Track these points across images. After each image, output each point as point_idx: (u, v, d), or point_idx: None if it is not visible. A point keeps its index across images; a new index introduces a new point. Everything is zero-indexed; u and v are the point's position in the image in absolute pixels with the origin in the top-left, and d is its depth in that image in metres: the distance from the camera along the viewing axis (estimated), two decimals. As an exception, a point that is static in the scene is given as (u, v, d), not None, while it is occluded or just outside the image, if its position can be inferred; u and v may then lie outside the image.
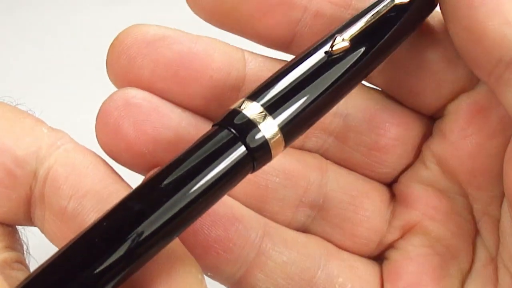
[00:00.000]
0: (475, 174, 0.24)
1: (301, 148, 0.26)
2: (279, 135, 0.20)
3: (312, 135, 0.25)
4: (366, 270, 0.26)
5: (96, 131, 0.23)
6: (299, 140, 0.25)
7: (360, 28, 0.22)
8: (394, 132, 0.25)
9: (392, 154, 0.26)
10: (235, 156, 0.20)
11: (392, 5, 0.23)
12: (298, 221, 0.26)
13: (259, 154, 0.20)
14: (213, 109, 0.24)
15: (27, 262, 0.22)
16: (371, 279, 0.26)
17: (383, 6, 0.23)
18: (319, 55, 0.22)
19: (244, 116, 0.20)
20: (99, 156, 0.22)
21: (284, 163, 0.25)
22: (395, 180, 0.26)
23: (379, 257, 0.27)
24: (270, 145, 0.20)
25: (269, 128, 0.20)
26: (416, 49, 0.24)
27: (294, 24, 0.24)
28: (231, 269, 0.24)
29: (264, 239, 0.24)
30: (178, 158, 0.20)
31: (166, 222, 0.19)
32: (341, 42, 0.22)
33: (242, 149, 0.20)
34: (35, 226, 0.22)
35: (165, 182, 0.19)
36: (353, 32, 0.22)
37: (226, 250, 0.24)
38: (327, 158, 0.26)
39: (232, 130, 0.20)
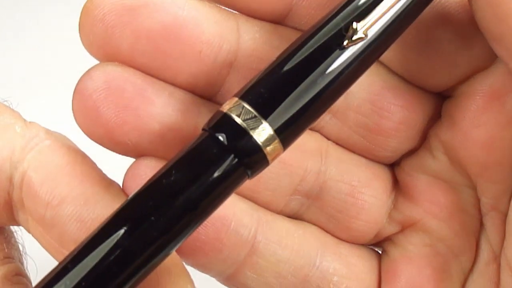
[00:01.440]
0: (487, 166, 0.23)
1: None
2: (275, 139, 0.19)
3: None
4: (363, 268, 0.25)
5: (73, 111, 0.21)
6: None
7: (378, 17, 0.20)
8: (399, 115, 0.23)
9: (395, 138, 0.24)
10: (225, 167, 0.18)
11: None
12: (291, 209, 0.24)
13: (253, 162, 0.19)
14: (201, 87, 0.22)
15: (24, 261, 0.22)
16: (367, 277, 0.25)
17: None
18: (327, 46, 0.20)
19: (234, 120, 0.19)
20: (78, 152, 0.21)
21: None
22: (397, 162, 0.25)
23: (376, 246, 0.26)
24: (264, 151, 0.19)
25: (262, 133, 0.19)
26: (427, 27, 0.22)
27: None
28: (220, 268, 0.23)
29: (257, 236, 0.23)
30: (163, 174, 0.18)
31: (155, 244, 0.18)
32: (357, 33, 0.20)
33: (232, 159, 0.19)
34: (21, 226, 0.21)
35: (149, 205, 0.18)
36: (369, 22, 0.20)
37: (215, 251, 0.22)
38: (324, 136, 0.24)
39: (221, 137, 0.19)
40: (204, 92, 0.22)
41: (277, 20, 0.22)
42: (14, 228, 0.23)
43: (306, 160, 0.23)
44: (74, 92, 0.20)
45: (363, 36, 0.19)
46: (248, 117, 0.19)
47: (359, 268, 0.24)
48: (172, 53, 0.21)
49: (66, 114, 0.22)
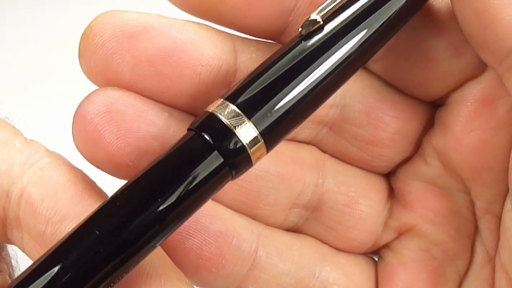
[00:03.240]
0: (480, 170, 0.23)
1: (293, 140, 0.24)
2: (259, 140, 0.19)
3: (305, 127, 0.24)
4: (362, 275, 0.25)
5: (73, 136, 0.21)
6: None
7: (336, 4, 0.20)
8: (394, 126, 0.24)
9: (390, 149, 0.24)
10: (210, 166, 0.19)
11: None
12: (290, 222, 0.25)
13: (237, 162, 0.19)
14: (201, 107, 0.22)
15: (14, 274, 0.22)
16: (366, 285, 0.25)
17: None
18: (293, 40, 0.20)
19: (220, 120, 0.19)
20: (78, 170, 0.21)
21: (278, 165, 0.23)
22: (392, 171, 0.25)
23: (372, 254, 0.26)
24: (249, 151, 0.19)
25: (247, 133, 0.19)
26: (419, 36, 0.23)
27: (287, 14, 0.22)
28: (223, 284, 0.23)
29: (258, 251, 0.23)
30: (149, 169, 0.18)
31: (136, 243, 0.18)
32: (315, 22, 0.20)
33: (217, 158, 0.19)
34: (14, 245, 0.21)
35: (134, 197, 0.18)
36: (326, 9, 0.20)
37: (218, 267, 0.23)
38: (320, 150, 0.24)
39: (207, 136, 0.19)
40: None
41: (273, 37, 0.23)
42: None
43: (304, 173, 0.24)
44: (74, 117, 0.20)
45: (319, 22, 0.20)
46: (232, 115, 0.19)
47: (357, 277, 0.25)
48: (172, 76, 0.21)
49: (64, 136, 0.22)
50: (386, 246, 0.25)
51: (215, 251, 0.22)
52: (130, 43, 0.20)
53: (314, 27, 0.20)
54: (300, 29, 0.20)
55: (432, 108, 0.24)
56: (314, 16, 0.20)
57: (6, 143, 0.20)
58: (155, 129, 0.21)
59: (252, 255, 0.23)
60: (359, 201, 0.24)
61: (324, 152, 0.24)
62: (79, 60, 0.21)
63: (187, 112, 0.22)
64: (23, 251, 0.21)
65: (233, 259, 0.23)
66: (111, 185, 0.21)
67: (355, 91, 0.24)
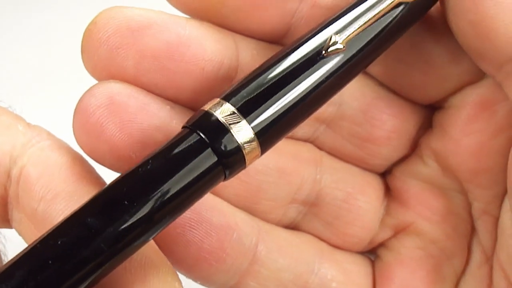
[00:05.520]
0: (478, 172, 0.23)
1: (290, 137, 0.24)
2: (254, 141, 0.19)
3: (302, 124, 0.23)
4: (359, 273, 0.25)
5: (74, 129, 0.20)
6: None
7: (358, 28, 0.21)
8: (390, 124, 0.24)
9: (386, 147, 0.24)
10: (204, 164, 0.18)
11: (395, 3, 0.21)
12: (289, 218, 0.25)
13: (231, 162, 0.19)
14: (203, 102, 0.22)
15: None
16: (363, 282, 0.25)
17: (386, 5, 0.21)
18: (308, 54, 0.20)
19: (216, 118, 0.19)
20: (77, 154, 0.21)
21: (278, 160, 0.24)
22: (388, 170, 0.25)
23: (369, 253, 0.26)
24: (243, 151, 0.19)
25: (242, 133, 0.19)
26: (418, 42, 0.23)
27: (289, 16, 0.22)
28: (223, 279, 0.23)
29: (258, 245, 0.23)
30: (140, 165, 0.18)
31: (125, 238, 0.17)
32: (336, 44, 0.20)
33: (212, 156, 0.18)
34: (13, 228, 0.21)
35: (125, 194, 0.18)
36: (349, 34, 0.20)
37: (219, 261, 0.22)
38: (317, 147, 0.25)
39: (201, 134, 0.19)
40: None
41: (275, 40, 0.23)
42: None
43: (302, 168, 0.24)
44: (75, 111, 0.20)
45: (341, 47, 0.20)
46: (228, 113, 0.19)
47: (355, 274, 0.25)
48: (176, 71, 0.21)
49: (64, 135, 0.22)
50: (383, 244, 0.25)
51: (216, 244, 0.22)
52: (135, 38, 0.20)
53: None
54: None
55: (429, 110, 0.24)
56: None
57: (9, 127, 0.20)
58: (158, 121, 0.21)
59: (253, 249, 0.23)
60: (357, 197, 0.25)
61: (321, 149, 0.25)
62: (82, 55, 0.21)
63: (189, 108, 0.22)
64: (20, 234, 0.21)
65: (233, 253, 0.23)
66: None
67: (352, 89, 0.24)
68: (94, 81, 0.21)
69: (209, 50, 0.21)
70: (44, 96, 0.43)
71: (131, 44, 0.20)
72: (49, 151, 0.20)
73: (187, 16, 0.22)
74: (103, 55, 0.20)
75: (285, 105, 0.19)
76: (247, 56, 0.22)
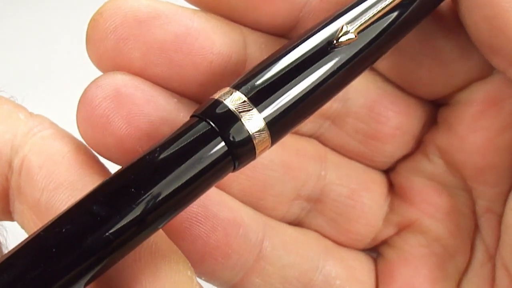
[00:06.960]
0: (483, 169, 0.23)
1: (295, 133, 0.24)
2: (265, 130, 0.19)
3: (307, 120, 0.23)
4: (363, 270, 0.25)
5: (78, 122, 0.20)
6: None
7: (369, 19, 0.20)
8: (396, 121, 0.24)
9: (391, 144, 0.24)
10: (213, 153, 0.18)
11: None
12: (293, 214, 0.24)
13: (241, 152, 0.18)
14: (210, 95, 0.21)
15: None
16: (367, 280, 0.25)
17: None
18: (320, 44, 0.20)
19: (226, 107, 0.18)
20: (80, 143, 0.20)
21: (283, 155, 0.23)
22: (393, 167, 0.25)
23: (372, 251, 0.26)
24: (254, 142, 0.18)
25: (253, 122, 0.18)
26: (426, 37, 0.23)
27: (297, 10, 0.22)
28: (228, 275, 0.23)
29: (264, 242, 0.23)
30: (148, 153, 0.18)
31: (132, 228, 0.17)
32: (348, 34, 0.20)
33: (221, 146, 0.18)
34: (15, 221, 0.21)
35: (132, 182, 0.17)
36: (361, 24, 0.20)
37: (225, 257, 0.22)
38: (322, 143, 0.24)
39: (212, 123, 0.18)
40: None
41: (283, 33, 0.23)
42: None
43: (307, 164, 0.24)
44: (79, 103, 0.20)
45: (353, 37, 0.20)
46: (238, 102, 0.18)
47: (359, 271, 0.25)
48: (184, 64, 0.21)
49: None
50: (386, 242, 0.25)
51: (222, 239, 0.22)
52: (142, 29, 0.20)
53: None
54: None
55: (434, 106, 0.24)
56: None
57: (10, 115, 0.20)
58: (165, 113, 0.20)
59: (259, 246, 0.23)
60: (361, 194, 0.24)
61: (326, 146, 0.24)
62: (87, 47, 0.20)
63: (195, 101, 0.22)
64: (22, 226, 0.20)
65: (239, 249, 0.22)
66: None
67: (358, 85, 0.24)
68: (99, 73, 0.21)
69: (218, 43, 0.21)
70: (47, 87, 0.43)
71: (138, 35, 0.20)
72: (51, 140, 0.20)
73: (195, 8, 0.22)
74: (109, 46, 0.20)
75: (297, 94, 0.19)
76: (255, 49, 0.22)
